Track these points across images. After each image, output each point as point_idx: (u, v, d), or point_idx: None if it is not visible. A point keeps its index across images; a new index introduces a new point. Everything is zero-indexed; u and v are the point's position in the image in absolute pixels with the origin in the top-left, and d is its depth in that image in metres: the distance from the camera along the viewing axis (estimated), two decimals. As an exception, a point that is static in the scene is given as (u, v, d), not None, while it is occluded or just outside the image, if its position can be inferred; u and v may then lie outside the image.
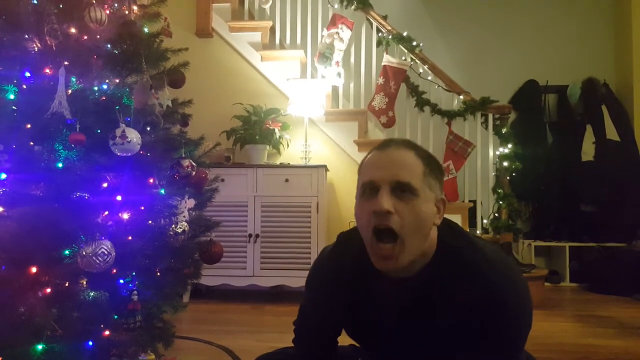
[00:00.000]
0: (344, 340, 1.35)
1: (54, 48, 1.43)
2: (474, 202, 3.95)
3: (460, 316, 1.00)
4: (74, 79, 1.48)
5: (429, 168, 1.04)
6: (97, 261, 1.36)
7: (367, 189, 1.04)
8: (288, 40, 4.28)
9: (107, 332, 1.48)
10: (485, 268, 1.02)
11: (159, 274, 1.73)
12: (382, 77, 3.97)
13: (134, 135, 1.48)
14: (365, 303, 1.13)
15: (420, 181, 1.01)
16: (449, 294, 1.02)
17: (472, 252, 1.05)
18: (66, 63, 1.43)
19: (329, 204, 3.85)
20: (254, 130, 3.82)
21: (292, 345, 1.38)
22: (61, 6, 1.52)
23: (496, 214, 3.89)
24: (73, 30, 1.52)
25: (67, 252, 1.41)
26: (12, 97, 1.37)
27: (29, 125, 1.39)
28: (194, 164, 1.84)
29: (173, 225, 1.69)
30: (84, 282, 1.45)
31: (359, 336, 1.23)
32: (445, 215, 1.11)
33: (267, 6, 4.31)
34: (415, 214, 1.00)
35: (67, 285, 1.41)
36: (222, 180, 3.12)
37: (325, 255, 1.27)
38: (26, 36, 1.44)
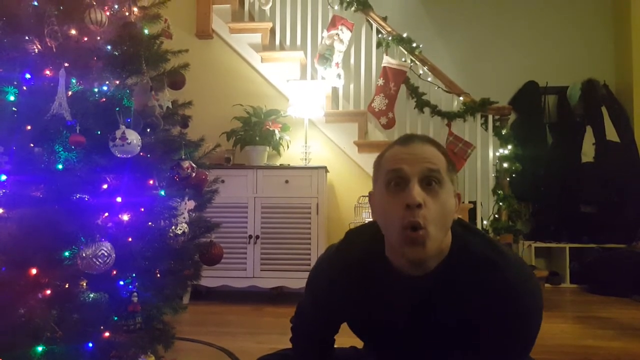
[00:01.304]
0: (344, 342, 1.35)
1: (54, 49, 1.43)
2: (474, 203, 3.95)
3: (474, 313, 1.00)
4: (74, 81, 1.48)
5: (450, 164, 1.06)
6: (97, 263, 1.36)
7: (393, 181, 1.02)
8: (288, 42, 4.28)
9: (107, 334, 1.47)
10: (503, 265, 1.02)
11: (159, 275, 1.73)
12: (382, 79, 3.97)
13: (134, 137, 1.48)
14: (374, 302, 1.12)
15: (445, 174, 1.03)
16: (465, 290, 1.02)
17: (489, 250, 1.05)
18: (66, 64, 1.43)
19: (329, 205, 3.85)
20: (254, 131, 3.82)
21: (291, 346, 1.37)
22: (61, 8, 1.52)
23: (496, 215, 3.88)
24: (73, 31, 1.52)
25: (67, 253, 1.40)
26: (12, 98, 1.37)
27: (29, 127, 1.39)
28: (194, 165, 1.84)
29: (173, 227, 1.69)
30: (84, 284, 1.45)
31: (367, 335, 1.22)
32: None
33: (267, 7, 4.31)
34: (441, 206, 1.00)
35: (67, 286, 1.41)
36: (222, 181, 3.12)
37: (333, 252, 1.24)
38: (26, 38, 1.44)
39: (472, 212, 3.92)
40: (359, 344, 1.34)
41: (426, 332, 1.07)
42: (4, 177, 1.33)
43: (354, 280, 1.14)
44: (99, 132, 1.50)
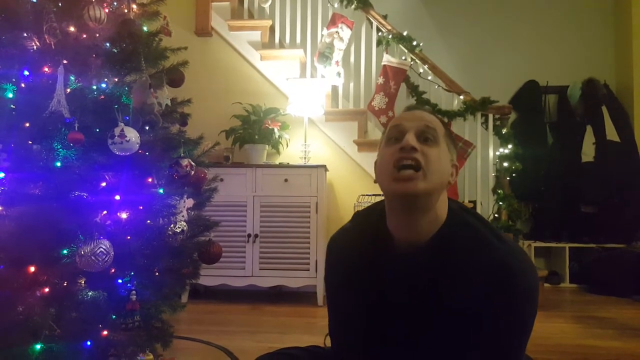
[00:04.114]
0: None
1: (52, 47, 1.42)
2: (474, 202, 3.94)
3: (469, 291, 1.00)
4: (72, 78, 1.48)
5: (448, 133, 1.12)
6: (96, 261, 1.36)
7: (393, 137, 1.09)
8: (288, 40, 4.27)
9: (105, 332, 1.47)
10: (498, 246, 1.03)
11: (157, 273, 1.73)
12: (382, 77, 3.96)
13: (132, 135, 1.47)
14: (377, 281, 1.12)
15: (442, 137, 1.09)
16: (460, 269, 1.02)
17: (486, 230, 1.07)
18: (65, 62, 1.43)
19: (328, 204, 3.84)
20: (253, 129, 3.82)
21: (292, 345, 1.37)
22: (60, 4, 1.52)
23: (496, 215, 3.88)
24: (72, 28, 1.52)
25: (65, 251, 1.40)
26: (10, 95, 1.37)
27: (27, 124, 1.39)
28: (193, 163, 1.83)
29: (172, 225, 1.69)
30: (83, 282, 1.45)
31: (369, 325, 1.20)
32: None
33: (266, 5, 4.30)
34: (438, 157, 1.05)
35: (65, 284, 1.41)
36: (221, 180, 3.10)
37: (344, 232, 1.28)
38: (25, 34, 1.44)
39: (472, 212, 3.91)
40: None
41: (424, 315, 1.06)
42: (2, 175, 1.33)
43: (365, 254, 1.15)
44: (97, 130, 1.50)
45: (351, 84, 4.20)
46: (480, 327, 1.00)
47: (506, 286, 0.99)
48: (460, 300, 1.01)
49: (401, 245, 1.09)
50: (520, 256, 1.04)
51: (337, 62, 3.99)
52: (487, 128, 3.98)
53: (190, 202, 1.89)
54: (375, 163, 1.15)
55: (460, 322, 1.01)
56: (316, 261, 3.45)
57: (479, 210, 3.90)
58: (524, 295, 1.00)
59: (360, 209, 3.70)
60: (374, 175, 1.15)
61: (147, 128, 1.68)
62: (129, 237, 1.55)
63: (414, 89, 4.05)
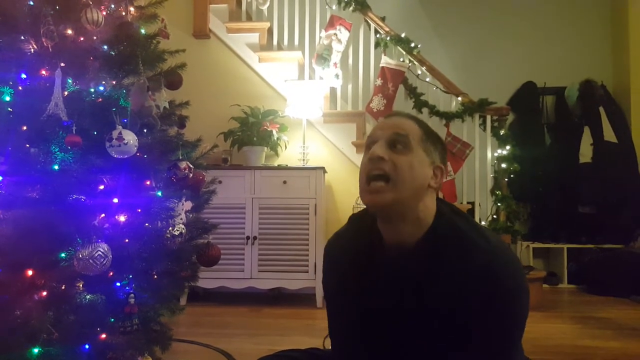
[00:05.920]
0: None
1: (50, 49, 1.42)
2: (472, 203, 3.95)
3: (456, 294, 1.00)
4: (70, 81, 1.47)
5: (426, 135, 1.12)
6: (94, 264, 1.35)
7: (368, 147, 1.12)
8: (286, 42, 4.27)
9: (103, 336, 1.47)
10: (484, 248, 1.03)
11: (156, 276, 1.72)
12: (380, 79, 3.96)
13: (130, 137, 1.47)
14: (368, 284, 1.14)
15: (417, 142, 1.09)
16: (447, 270, 1.03)
17: (473, 232, 1.07)
18: (62, 64, 1.42)
19: (327, 206, 3.84)
20: (251, 131, 3.82)
21: (291, 348, 1.37)
22: (58, 7, 1.52)
23: (494, 216, 3.88)
24: (69, 31, 1.52)
25: (63, 255, 1.40)
26: (8, 99, 1.36)
27: (25, 127, 1.38)
28: (191, 165, 1.83)
29: (170, 228, 1.68)
30: (81, 285, 1.44)
31: (360, 328, 1.21)
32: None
33: (264, 7, 4.30)
34: (408, 165, 1.06)
35: (63, 288, 1.41)
36: (220, 182, 3.10)
37: (339, 236, 1.31)
38: (22, 37, 1.43)
39: (471, 213, 3.91)
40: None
41: (414, 317, 1.06)
42: (-1, 178, 1.32)
43: (353, 260, 1.17)
44: (95, 133, 1.50)
45: (349, 86, 4.20)
46: (469, 328, 1.00)
47: (492, 288, 0.99)
48: (446, 303, 1.02)
49: (392, 248, 1.11)
50: (507, 257, 1.04)
51: (335, 64, 3.99)
52: (485, 129, 3.98)
53: (188, 205, 1.89)
54: None
55: (449, 324, 1.02)
56: (315, 263, 3.45)
57: (477, 211, 3.91)
58: (511, 296, 1.01)
59: (358, 210, 3.70)
60: None
61: (145, 131, 1.68)
62: (127, 240, 1.55)
63: (412, 91, 4.05)
